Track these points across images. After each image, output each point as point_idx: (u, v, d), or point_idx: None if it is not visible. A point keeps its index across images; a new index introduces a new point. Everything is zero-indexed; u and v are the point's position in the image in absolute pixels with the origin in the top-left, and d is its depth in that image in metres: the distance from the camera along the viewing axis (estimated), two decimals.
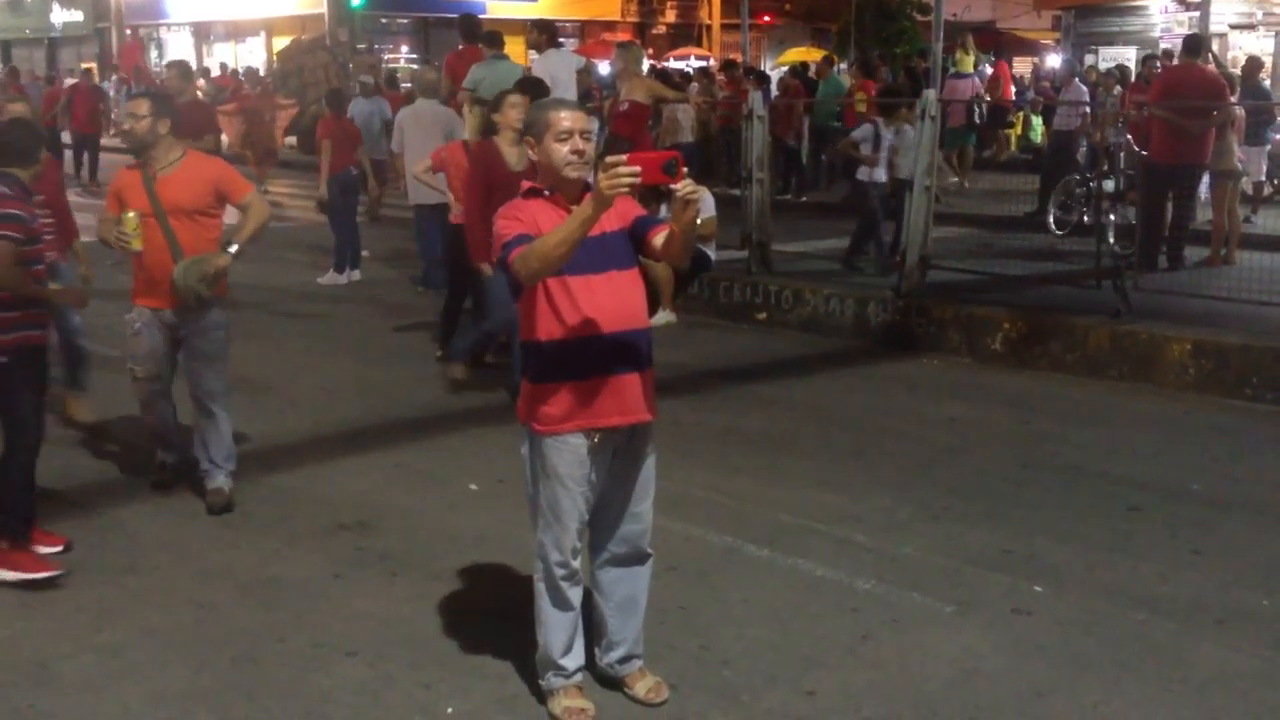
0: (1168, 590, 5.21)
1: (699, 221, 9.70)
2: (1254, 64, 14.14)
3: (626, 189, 3.60)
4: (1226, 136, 11.49)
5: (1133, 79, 16.92)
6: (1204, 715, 4.25)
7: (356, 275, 12.65)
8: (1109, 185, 11.43)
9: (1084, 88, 16.83)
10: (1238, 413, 7.81)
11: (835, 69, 20.76)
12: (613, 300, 3.95)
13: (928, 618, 4.97)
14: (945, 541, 5.74)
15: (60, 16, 38.69)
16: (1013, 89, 25.90)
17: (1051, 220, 13.18)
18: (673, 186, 3.65)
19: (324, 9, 28.58)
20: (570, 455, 3.99)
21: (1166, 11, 23.85)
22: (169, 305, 5.95)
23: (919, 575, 5.36)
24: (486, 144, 7.90)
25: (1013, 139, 23.01)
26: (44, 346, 5.45)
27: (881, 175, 11.51)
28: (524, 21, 27.46)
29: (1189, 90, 11.13)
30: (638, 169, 3.57)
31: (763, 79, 19.78)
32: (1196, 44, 11.93)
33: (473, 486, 6.51)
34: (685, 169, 3.65)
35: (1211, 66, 13.01)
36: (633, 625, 4.30)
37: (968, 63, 19.58)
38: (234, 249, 5.96)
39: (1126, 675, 4.50)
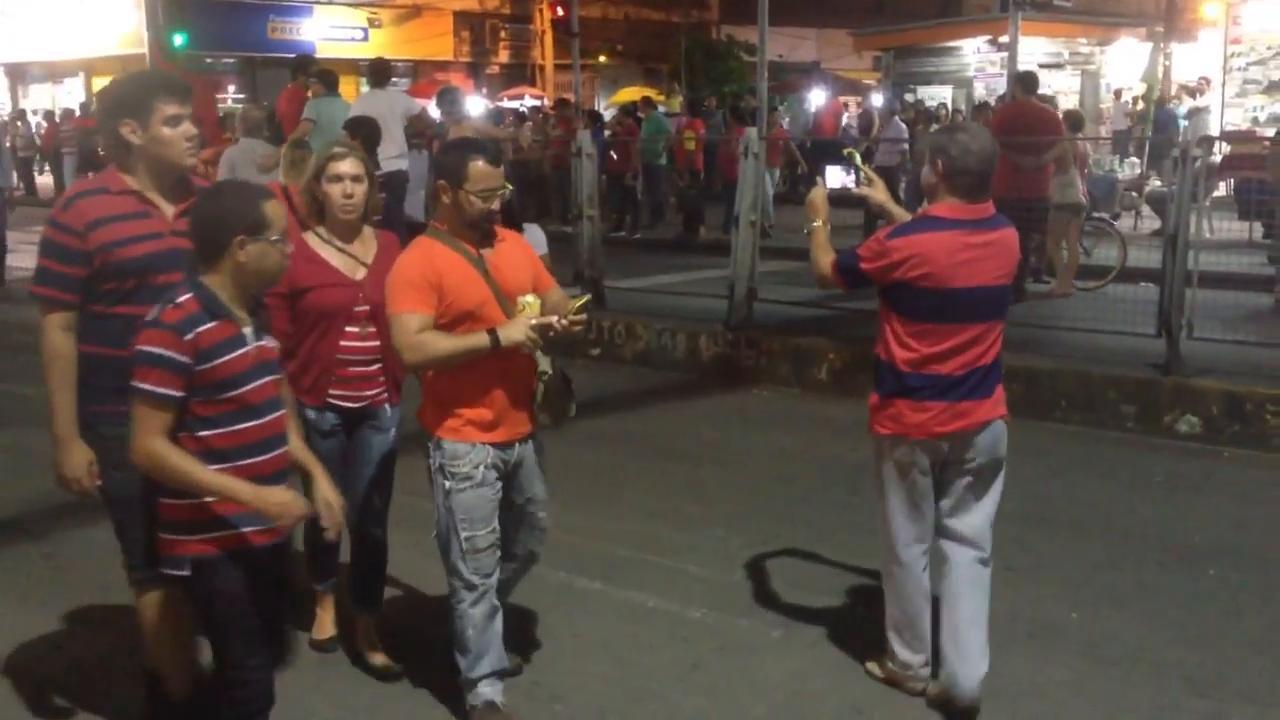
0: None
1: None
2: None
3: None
4: (1069, 171, 11.64)
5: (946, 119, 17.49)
6: None
7: None
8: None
9: (903, 125, 17.45)
10: (1050, 434, 8.14)
11: (658, 109, 21.09)
12: None
13: (755, 643, 5.07)
14: (774, 568, 5.86)
15: None
16: (840, 126, 26.72)
17: None
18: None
19: (145, 49, 27.86)
20: None
21: (979, 52, 24.81)
22: (521, 435, 4.30)
23: (748, 602, 5.47)
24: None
25: None
26: (260, 548, 3.48)
27: None
28: (354, 61, 27.28)
29: (1023, 126, 11.15)
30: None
31: (595, 118, 20.00)
32: (1031, 81, 11.92)
33: None
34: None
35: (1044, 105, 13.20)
36: None
37: None
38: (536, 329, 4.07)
39: None
